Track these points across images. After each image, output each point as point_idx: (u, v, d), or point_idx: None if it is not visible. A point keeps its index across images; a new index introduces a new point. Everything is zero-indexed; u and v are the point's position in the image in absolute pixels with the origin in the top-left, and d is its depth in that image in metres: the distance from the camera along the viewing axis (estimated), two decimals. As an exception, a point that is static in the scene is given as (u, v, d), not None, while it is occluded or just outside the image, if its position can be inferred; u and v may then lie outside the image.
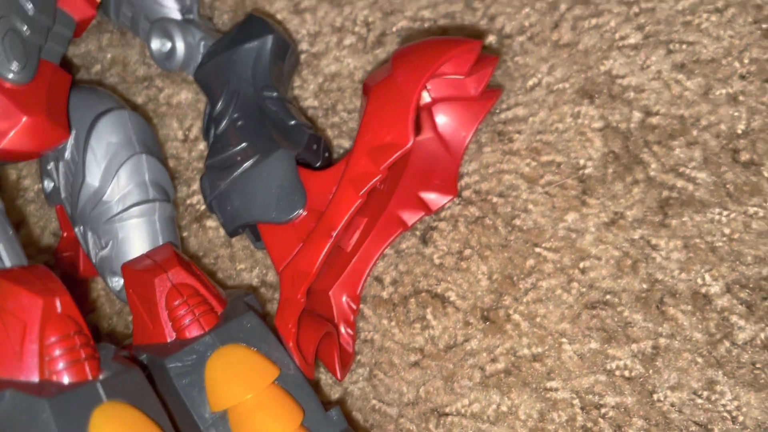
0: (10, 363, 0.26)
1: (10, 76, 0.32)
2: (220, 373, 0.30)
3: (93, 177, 0.35)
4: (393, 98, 0.32)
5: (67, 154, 0.36)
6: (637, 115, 0.39)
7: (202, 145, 0.42)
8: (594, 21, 0.40)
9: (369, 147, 0.32)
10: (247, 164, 0.35)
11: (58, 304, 0.27)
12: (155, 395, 0.29)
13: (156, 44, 0.40)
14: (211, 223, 0.41)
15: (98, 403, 0.26)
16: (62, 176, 0.36)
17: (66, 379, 0.26)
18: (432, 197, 0.38)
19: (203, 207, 0.42)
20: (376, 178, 0.32)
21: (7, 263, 0.30)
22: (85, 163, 0.35)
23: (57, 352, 0.26)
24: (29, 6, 0.32)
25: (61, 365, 0.26)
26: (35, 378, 0.26)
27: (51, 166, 0.37)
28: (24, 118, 0.32)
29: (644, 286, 0.36)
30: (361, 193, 0.32)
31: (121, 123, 0.36)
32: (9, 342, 0.26)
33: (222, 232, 0.41)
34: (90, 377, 0.27)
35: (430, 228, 0.39)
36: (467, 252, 0.38)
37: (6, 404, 0.25)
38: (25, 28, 0.32)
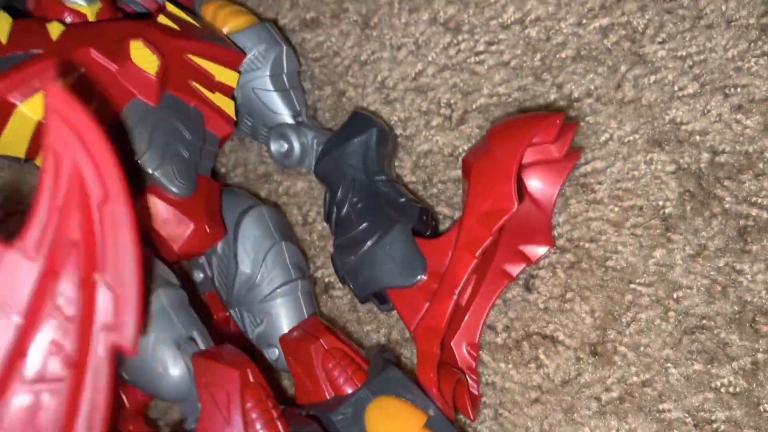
0: (222, 429, 0.32)
1: (178, 191, 0.39)
2: (380, 421, 0.35)
3: (245, 266, 0.41)
4: (495, 170, 0.37)
5: (219, 249, 0.42)
6: (705, 156, 0.43)
7: (320, 227, 0.49)
8: (653, 77, 0.45)
9: (478, 214, 0.38)
10: (371, 241, 0.41)
11: (249, 374, 0.33)
12: None
13: (275, 146, 0.47)
14: (337, 292, 0.47)
15: None
16: (215, 268, 0.43)
17: None
18: (531, 249, 0.43)
19: (328, 279, 0.48)
20: (488, 240, 0.37)
21: (202, 346, 0.36)
22: (237, 255, 0.41)
23: (254, 416, 0.32)
24: (186, 133, 0.40)
25: (258, 426, 0.32)
26: None
27: (202, 260, 0.44)
28: (192, 226, 0.39)
29: (736, 308, 0.40)
30: (477, 254, 0.37)
31: (261, 218, 0.42)
32: (217, 410, 0.32)
33: (346, 300, 0.47)
34: None
35: (531, 276, 0.44)
36: (569, 294, 0.43)
37: None
38: (184, 151, 0.39)
